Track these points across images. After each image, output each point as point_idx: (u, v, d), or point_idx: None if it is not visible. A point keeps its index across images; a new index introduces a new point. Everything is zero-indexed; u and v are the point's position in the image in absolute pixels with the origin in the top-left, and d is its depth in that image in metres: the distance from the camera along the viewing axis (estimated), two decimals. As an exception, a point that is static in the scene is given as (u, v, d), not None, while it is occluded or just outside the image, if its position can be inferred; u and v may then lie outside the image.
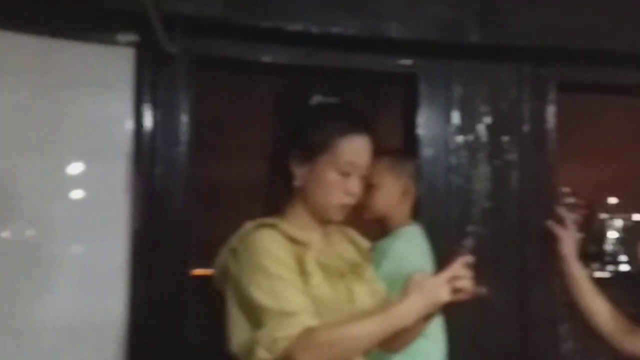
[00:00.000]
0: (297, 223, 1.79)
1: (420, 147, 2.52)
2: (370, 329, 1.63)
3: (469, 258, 1.72)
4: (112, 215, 2.25)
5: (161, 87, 2.30)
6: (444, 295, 1.67)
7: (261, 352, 1.60)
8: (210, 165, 2.89)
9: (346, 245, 1.90)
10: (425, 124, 2.53)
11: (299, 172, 1.79)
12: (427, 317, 1.74)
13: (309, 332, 1.59)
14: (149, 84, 2.29)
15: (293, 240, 1.73)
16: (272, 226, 1.73)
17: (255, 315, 1.65)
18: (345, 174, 1.76)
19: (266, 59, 2.40)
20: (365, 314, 1.69)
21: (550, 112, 2.57)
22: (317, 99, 1.86)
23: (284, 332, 1.59)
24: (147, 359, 2.25)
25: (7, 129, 2.16)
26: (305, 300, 1.65)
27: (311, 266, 1.73)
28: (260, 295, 1.63)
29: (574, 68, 2.56)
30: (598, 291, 2.45)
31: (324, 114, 1.82)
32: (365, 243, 1.95)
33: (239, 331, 1.69)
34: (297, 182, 1.80)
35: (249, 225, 1.74)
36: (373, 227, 2.39)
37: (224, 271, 1.75)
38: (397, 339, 1.78)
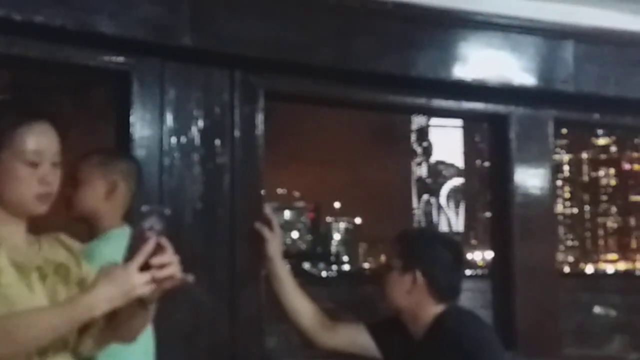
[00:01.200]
0: None
1: (134, 148, 2.49)
2: (51, 319, 1.59)
3: (159, 239, 1.58)
4: None
5: None
6: (138, 283, 1.63)
7: None
8: None
9: (55, 248, 1.84)
10: (138, 124, 2.51)
11: None
12: (142, 304, 1.69)
13: None
14: None
15: None
16: None
17: None
18: (34, 164, 1.72)
19: (-38, 45, 2.24)
20: (50, 306, 1.65)
21: (259, 119, 2.66)
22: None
23: None
24: None
25: None
26: None
27: (1, 264, 1.64)
28: None
29: (280, 78, 2.67)
30: (300, 290, 2.58)
31: None
32: (75, 245, 1.90)
33: None
34: (-14, 181, 1.70)
35: None
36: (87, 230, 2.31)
37: None
38: (125, 329, 1.76)
